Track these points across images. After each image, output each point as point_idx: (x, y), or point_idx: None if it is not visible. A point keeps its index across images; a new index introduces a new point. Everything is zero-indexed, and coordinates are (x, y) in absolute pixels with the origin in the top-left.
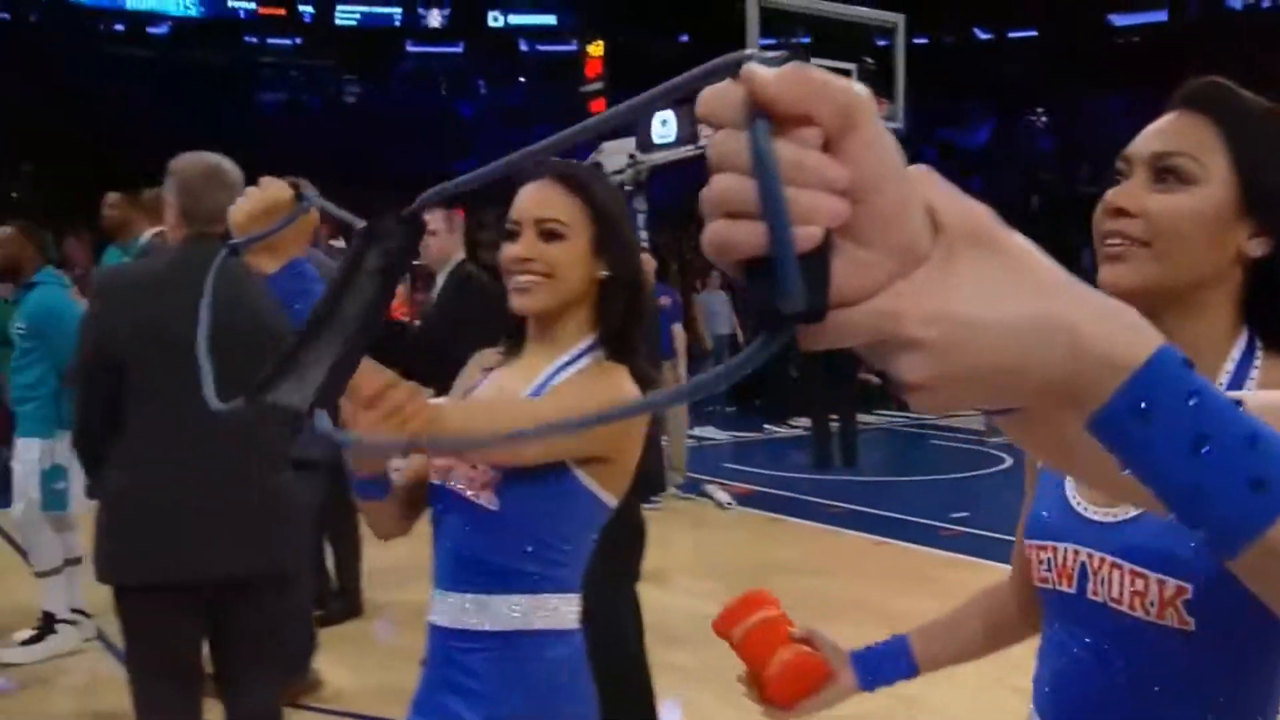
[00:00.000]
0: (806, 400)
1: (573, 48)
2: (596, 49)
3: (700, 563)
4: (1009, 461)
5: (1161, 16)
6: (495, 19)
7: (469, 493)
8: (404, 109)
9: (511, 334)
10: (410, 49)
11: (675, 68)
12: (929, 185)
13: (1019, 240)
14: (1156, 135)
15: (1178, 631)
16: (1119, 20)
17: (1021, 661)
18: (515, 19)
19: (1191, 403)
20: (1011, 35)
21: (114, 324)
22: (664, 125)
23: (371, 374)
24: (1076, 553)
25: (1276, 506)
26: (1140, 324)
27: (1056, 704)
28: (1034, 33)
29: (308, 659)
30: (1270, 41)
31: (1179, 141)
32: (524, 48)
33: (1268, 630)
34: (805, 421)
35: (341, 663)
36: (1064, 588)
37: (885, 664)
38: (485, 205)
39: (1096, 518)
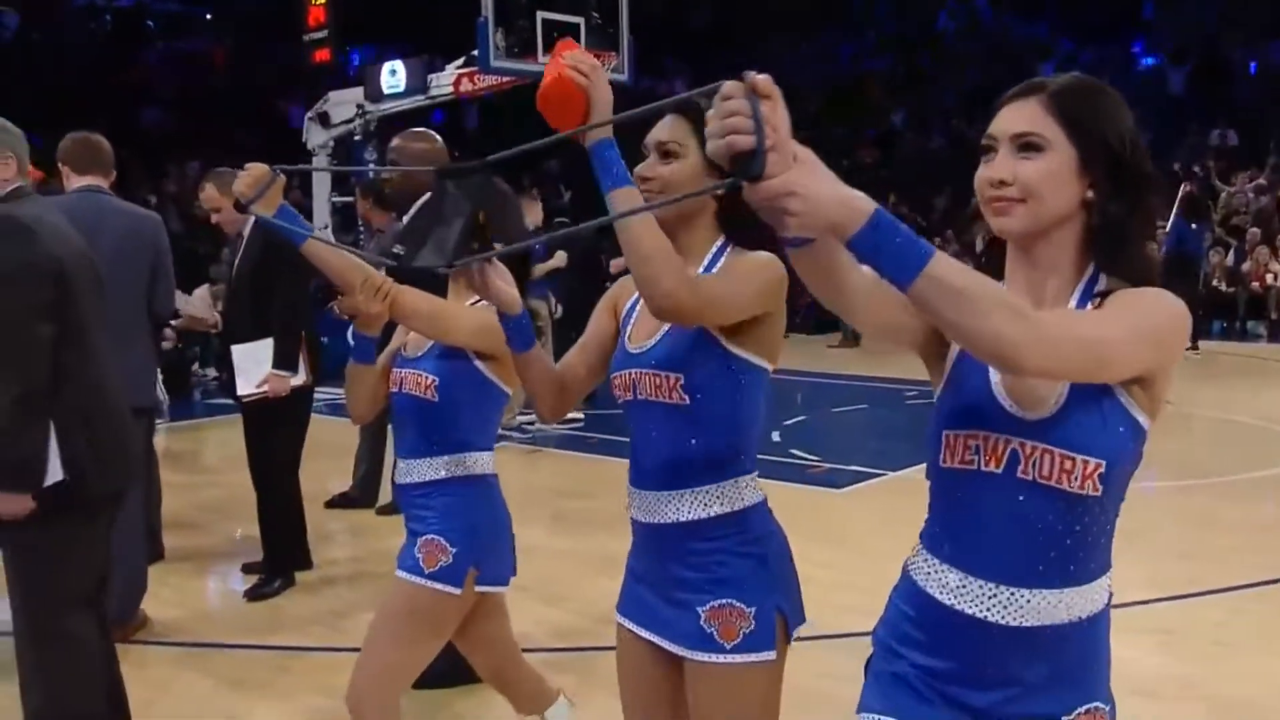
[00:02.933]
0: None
1: None
2: None
3: None
4: None
5: None
6: None
7: None
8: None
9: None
10: None
11: (401, 17)
12: (789, 143)
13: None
14: (1012, 119)
15: (1091, 497)
16: None
17: None
18: None
19: (892, 224)
20: None
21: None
22: (393, 75)
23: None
24: (1008, 441)
25: (928, 254)
26: (865, 197)
27: (974, 557)
28: None
29: (139, 597)
30: None
31: (1029, 123)
32: None
33: (1125, 487)
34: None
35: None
36: (991, 468)
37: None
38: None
39: (1024, 416)
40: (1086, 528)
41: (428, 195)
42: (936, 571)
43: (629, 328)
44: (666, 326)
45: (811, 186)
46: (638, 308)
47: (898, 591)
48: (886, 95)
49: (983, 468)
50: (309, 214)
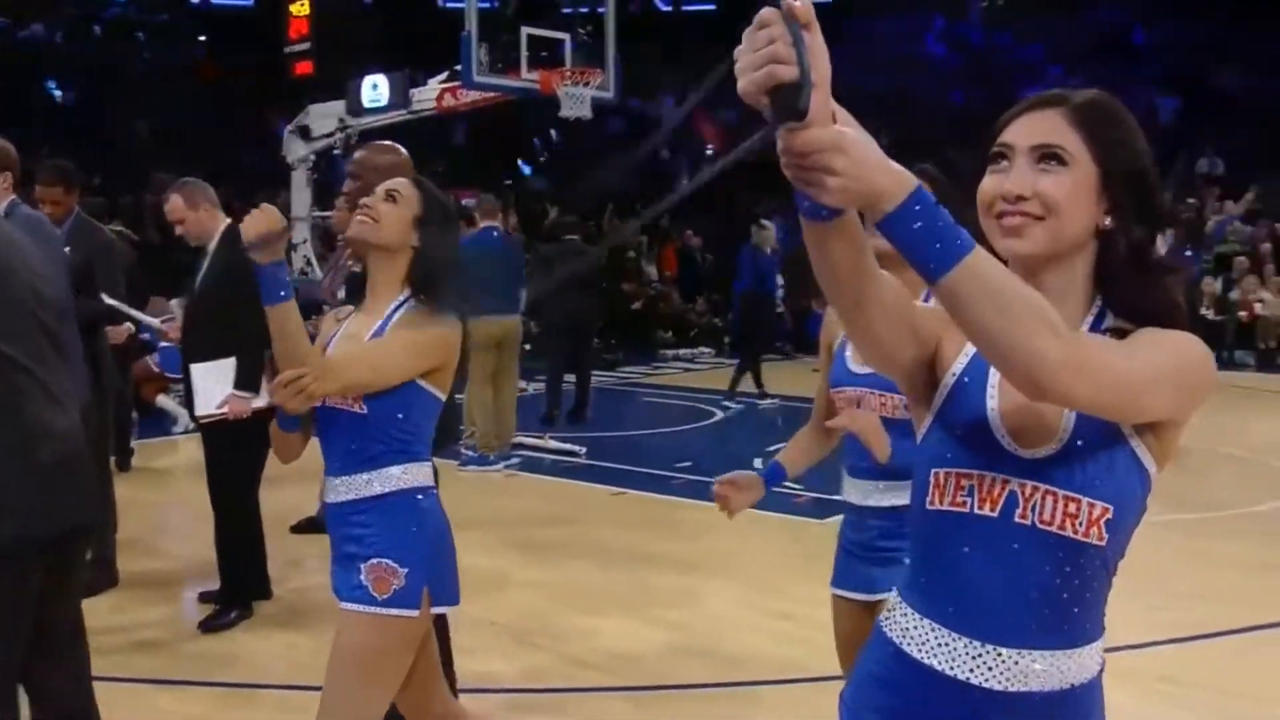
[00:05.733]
0: (550, 358)
1: (248, 2)
2: (301, 8)
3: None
4: (719, 415)
5: None
6: None
7: None
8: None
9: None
10: None
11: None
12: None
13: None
14: (1031, 130)
15: (1094, 546)
16: None
17: (774, 587)
18: None
19: (935, 204)
20: (687, 9)
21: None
22: (374, 90)
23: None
24: (1006, 482)
25: (969, 247)
26: (905, 170)
27: (959, 612)
28: (712, 6)
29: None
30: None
31: (1051, 135)
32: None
33: (1127, 542)
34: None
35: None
36: (986, 511)
37: (774, 476)
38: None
39: (1024, 454)
40: (1086, 582)
41: None
42: (915, 627)
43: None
44: None
45: (860, 145)
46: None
47: (868, 650)
48: (875, 117)
49: (976, 510)
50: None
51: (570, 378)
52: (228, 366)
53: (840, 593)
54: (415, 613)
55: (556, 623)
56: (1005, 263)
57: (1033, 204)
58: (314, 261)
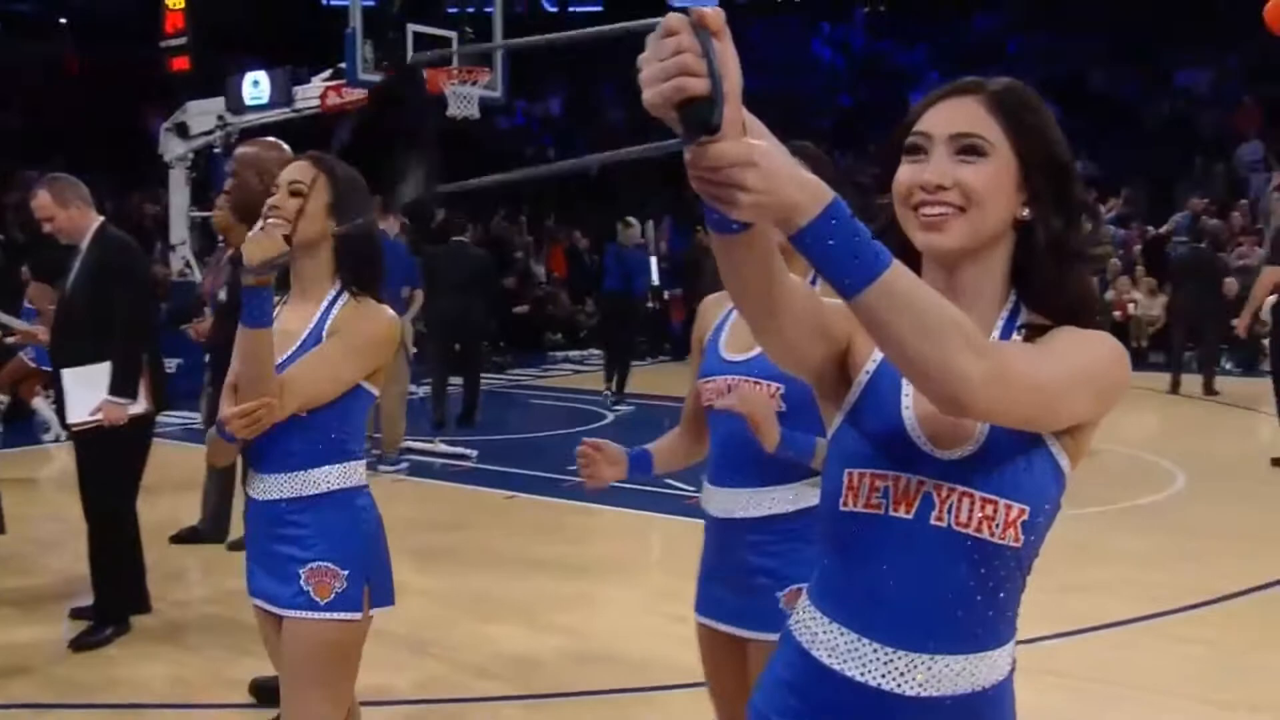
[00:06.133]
0: (433, 362)
1: None
2: (177, 2)
3: None
4: (610, 417)
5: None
6: None
7: None
8: None
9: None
10: None
11: (254, 28)
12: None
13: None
14: (949, 118)
15: (1010, 548)
16: (677, 2)
17: (670, 590)
18: None
19: (850, 218)
20: (574, 9)
21: None
22: (256, 87)
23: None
24: (921, 483)
25: (887, 262)
26: (821, 182)
27: (871, 616)
28: (599, 7)
29: None
30: None
31: (970, 123)
32: None
33: (1041, 543)
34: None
35: None
36: (901, 513)
37: (641, 462)
38: None
39: (941, 455)
40: (1000, 584)
41: None
42: (825, 632)
43: None
44: None
45: (772, 158)
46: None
47: (778, 654)
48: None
49: (890, 512)
50: (165, 228)
51: (457, 380)
52: (101, 371)
53: (706, 621)
54: (359, 615)
55: (452, 632)
56: (919, 257)
57: (953, 194)
58: (193, 263)
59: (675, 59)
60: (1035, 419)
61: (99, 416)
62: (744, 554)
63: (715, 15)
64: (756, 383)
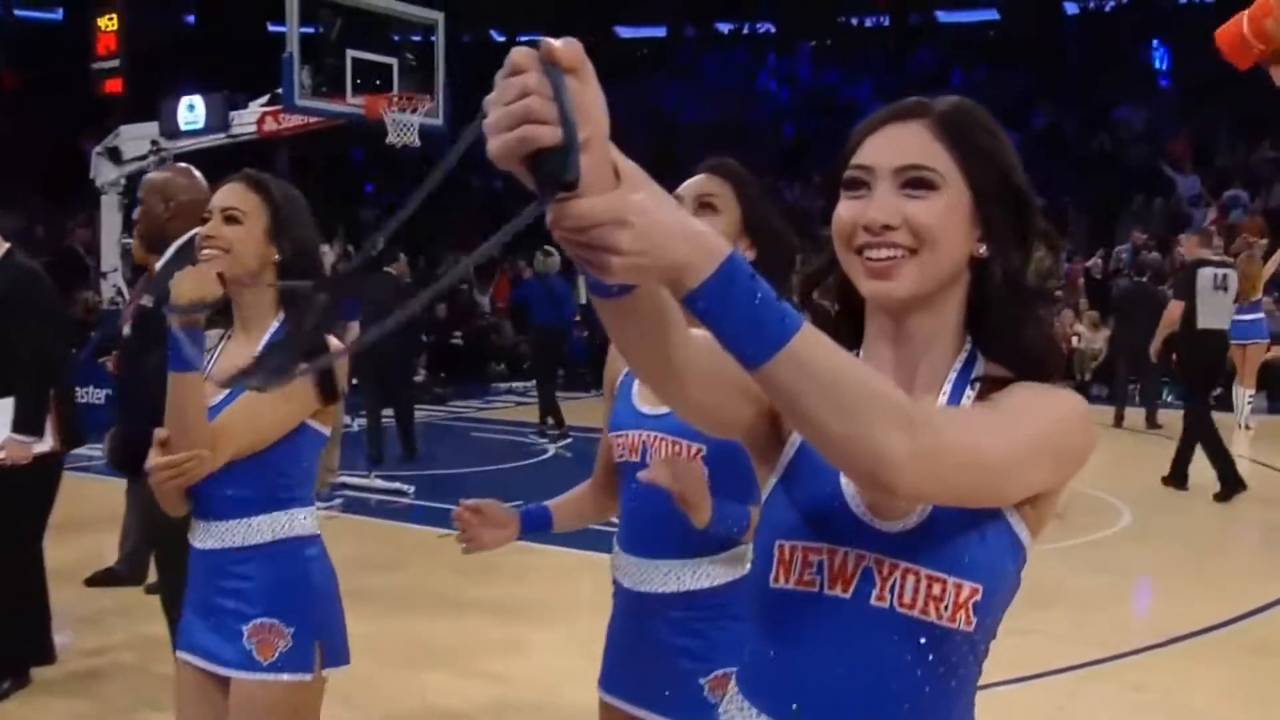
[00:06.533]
0: (364, 395)
1: (58, 17)
2: (110, 23)
3: None
4: (551, 450)
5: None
6: None
7: None
8: None
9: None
10: None
11: (192, 51)
12: (608, 145)
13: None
14: (894, 148)
15: (961, 632)
16: (624, 32)
17: (591, 634)
18: None
19: (750, 277)
20: (522, 37)
21: None
22: (191, 111)
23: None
24: (860, 558)
25: (795, 328)
26: (715, 234)
27: (806, 709)
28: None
29: None
30: None
31: (918, 154)
32: None
33: (997, 625)
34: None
35: None
36: (837, 592)
37: (536, 521)
38: None
39: (881, 527)
40: (951, 671)
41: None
42: None
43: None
44: None
45: (649, 213)
46: None
47: None
48: (711, 148)
49: (826, 591)
50: (97, 255)
51: (390, 413)
52: (4, 407)
53: (614, 701)
54: (309, 676)
55: (378, 680)
56: (861, 305)
57: (901, 234)
58: (125, 290)
59: (520, 103)
60: (976, 497)
61: (1, 455)
62: (663, 632)
63: (569, 49)
64: (675, 442)
